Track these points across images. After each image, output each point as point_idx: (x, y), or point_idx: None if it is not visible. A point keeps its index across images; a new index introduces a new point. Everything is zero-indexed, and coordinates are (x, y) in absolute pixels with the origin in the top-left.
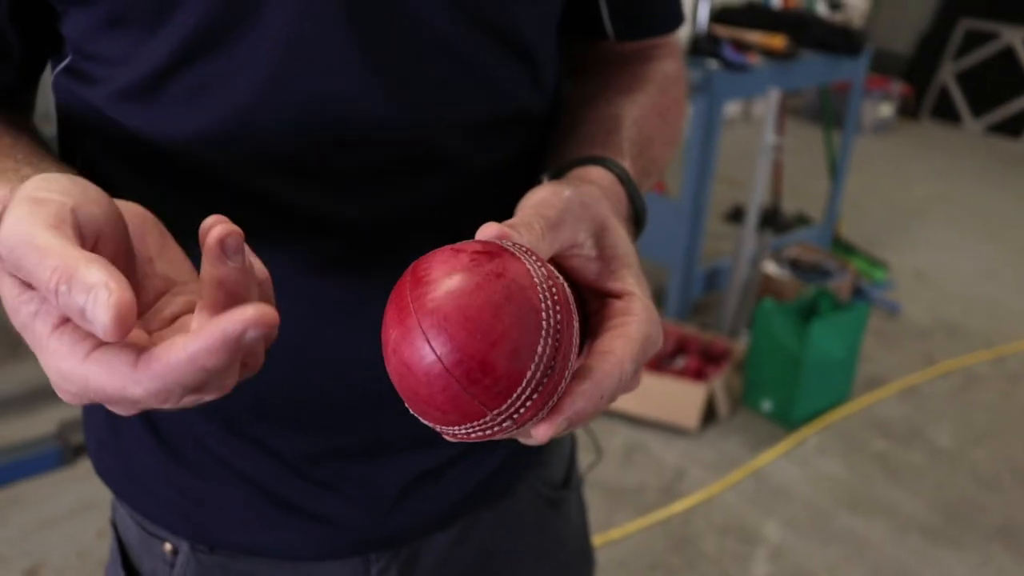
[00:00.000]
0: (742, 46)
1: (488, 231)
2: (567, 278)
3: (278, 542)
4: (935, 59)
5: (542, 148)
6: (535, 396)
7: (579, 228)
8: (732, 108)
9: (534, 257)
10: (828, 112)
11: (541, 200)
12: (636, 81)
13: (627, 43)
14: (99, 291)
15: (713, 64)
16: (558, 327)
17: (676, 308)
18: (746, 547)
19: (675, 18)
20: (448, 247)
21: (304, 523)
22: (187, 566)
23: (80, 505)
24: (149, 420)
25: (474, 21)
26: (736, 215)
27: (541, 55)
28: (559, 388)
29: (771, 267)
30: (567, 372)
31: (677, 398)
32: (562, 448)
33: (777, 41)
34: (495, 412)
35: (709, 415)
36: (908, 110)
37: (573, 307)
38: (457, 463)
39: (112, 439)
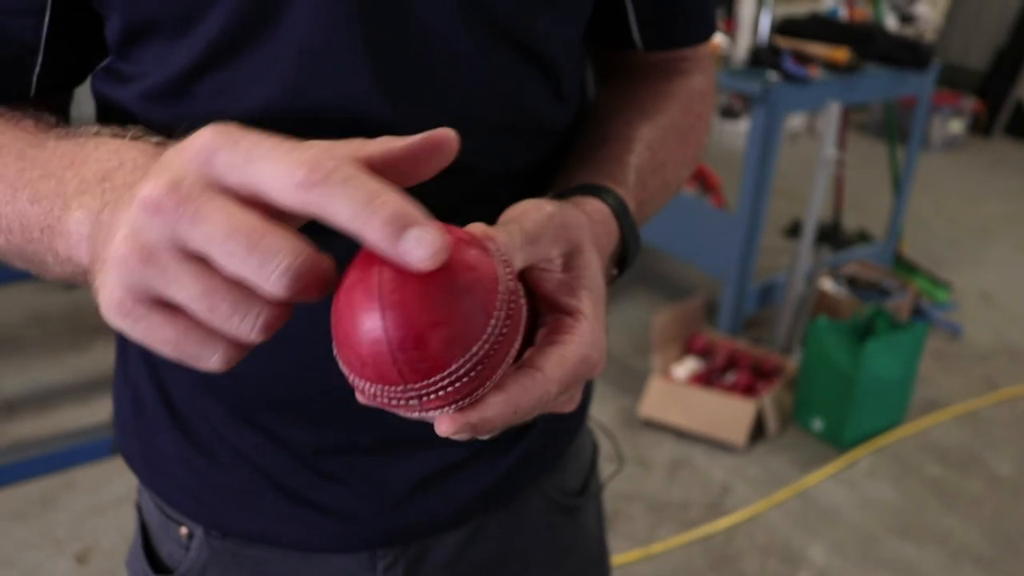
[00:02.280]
0: (804, 58)
1: (474, 229)
2: (527, 285)
3: (287, 532)
4: (1011, 74)
5: (563, 157)
6: (449, 389)
7: (553, 246)
8: (797, 122)
9: (508, 268)
10: (893, 127)
11: (523, 213)
12: (659, 99)
13: (655, 53)
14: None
15: (773, 76)
16: (499, 338)
17: (728, 322)
18: (789, 569)
19: (705, 29)
20: (443, 223)
21: (312, 515)
22: (200, 551)
23: (129, 493)
24: (169, 405)
25: (490, 31)
26: (795, 230)
27: (563, 65)
28: (476, 393)
29: (828, 284)
30: (489, 383)
31: (726, 413)
32: (581, 456)
33: (840, 54)
34: (408, 385)
35: (758, 432)
36: (980, 127)
37: (522, 329)
38: (467, 464)
39: (136, 423)
